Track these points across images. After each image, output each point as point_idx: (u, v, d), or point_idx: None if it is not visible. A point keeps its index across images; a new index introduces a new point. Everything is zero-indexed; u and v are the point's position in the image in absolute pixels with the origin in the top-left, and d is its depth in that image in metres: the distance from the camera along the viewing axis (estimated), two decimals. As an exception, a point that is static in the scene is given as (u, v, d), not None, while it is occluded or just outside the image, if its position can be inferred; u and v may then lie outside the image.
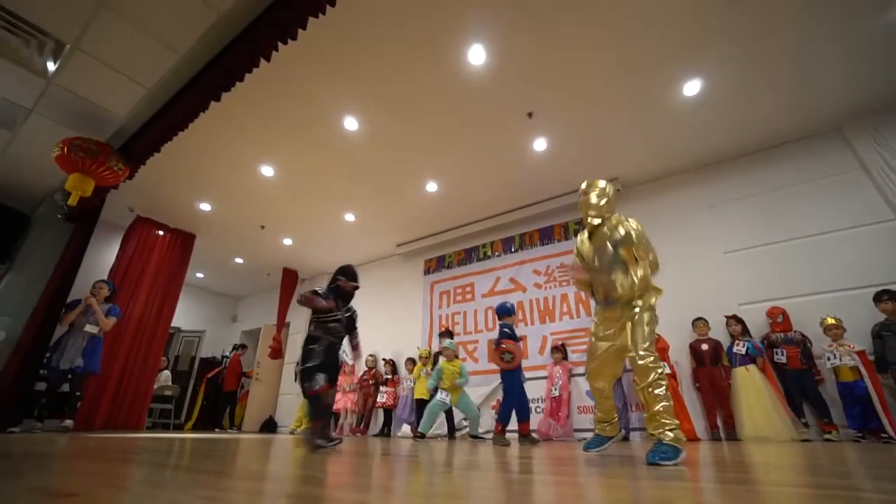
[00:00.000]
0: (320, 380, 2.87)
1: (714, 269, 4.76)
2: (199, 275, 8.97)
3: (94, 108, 4.21)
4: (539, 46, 3.67)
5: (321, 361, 2.91)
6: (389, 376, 6.44)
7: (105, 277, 5.87)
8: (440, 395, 4.62)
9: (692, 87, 4.07)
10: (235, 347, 8.59)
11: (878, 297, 3.74)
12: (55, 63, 3.72)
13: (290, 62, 3.75)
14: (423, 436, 4.64)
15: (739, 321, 4.28)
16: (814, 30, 3.49)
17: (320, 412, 2.92)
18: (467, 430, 5.03)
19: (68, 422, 4.48)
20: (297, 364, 2.94)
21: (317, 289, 3.03)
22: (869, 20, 3.41)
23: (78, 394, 4.69)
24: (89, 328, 4.72)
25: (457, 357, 5.08)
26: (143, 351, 5.98)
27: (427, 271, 7.29)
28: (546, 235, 6.12)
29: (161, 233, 6.63)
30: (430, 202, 6.16)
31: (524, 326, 5.75)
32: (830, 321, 3.86)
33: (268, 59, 3.38)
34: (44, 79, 3.87)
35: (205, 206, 6.31)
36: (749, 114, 4.42)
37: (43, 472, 1.31)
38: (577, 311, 5.50)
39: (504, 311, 4.37)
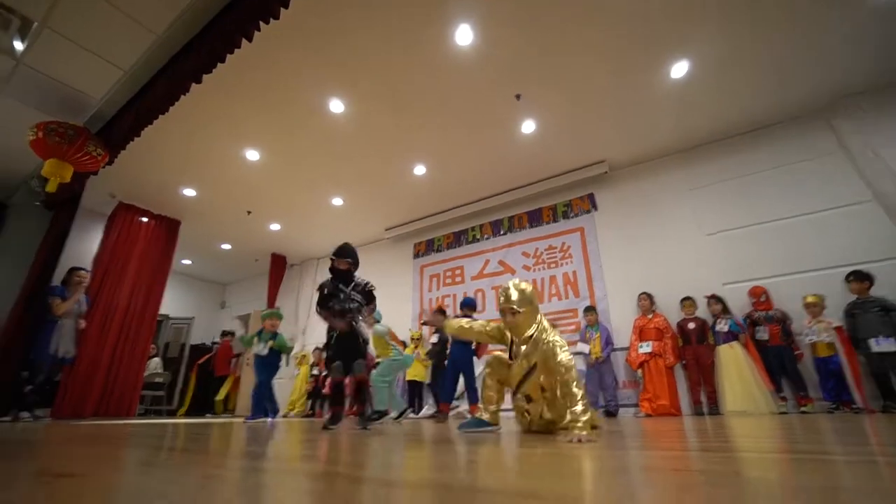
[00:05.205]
0: (337, 369, 3.03)
1: (697, 250, 4.85)
2: (186, 261, 8.84)
3: (69, 90, 4.06)
4: (527, 26, 3.62)
5: (334, 351, 3.08)
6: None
7: (88, 266, 5.76)
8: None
9: (679, 69, 4.07)
10: (224, 334, 8.55)
11: (847, 278, 3.89)
12: (23, 42, 3.56)
13: (272, 43, 3.64)
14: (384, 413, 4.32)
15: (719, 300, 4.40)
16: (803, 12, 3.49)
17: (336, 399, 3.11)
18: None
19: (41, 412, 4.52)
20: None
21: (324, 288, 3.16)
22: (855, 5, 3.43)
23: (57, 380, 4.70)
24: (82, 321, 4.71)
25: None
26: (131, 339, 5.93)
27: (416, 255, 7.29)
28: (534, 218, 6.15)
29: (145, 219, 6.50)
30: (419, 185, 6.13)
31: (514, 308, 5.81)
32: (811, 299, 3.99)
33: (249, 39, 3.28)
34: (12, 59, 3.71)
35: (189, 192, 6.18)
36: (734, 96, 4.44)
37: (39, 456, 1.31)
38: (566, 292, 5.58)
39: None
